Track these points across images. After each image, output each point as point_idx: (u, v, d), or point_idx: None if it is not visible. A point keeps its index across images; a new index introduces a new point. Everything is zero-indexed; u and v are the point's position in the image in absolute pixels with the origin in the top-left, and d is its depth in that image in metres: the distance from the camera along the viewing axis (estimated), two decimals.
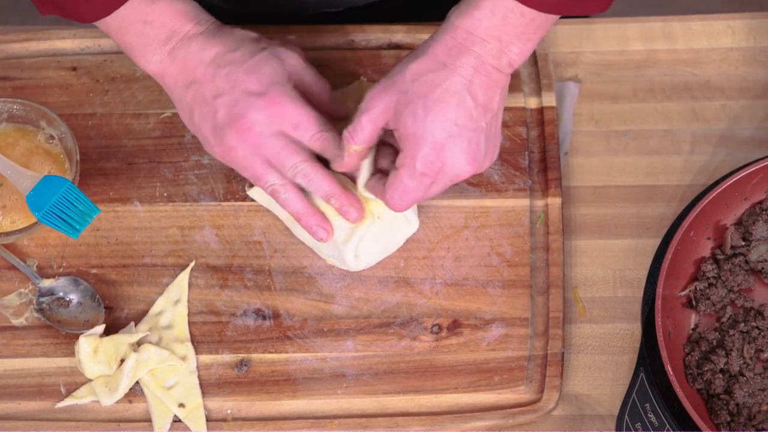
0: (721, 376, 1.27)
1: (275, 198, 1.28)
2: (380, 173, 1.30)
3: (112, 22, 1.27)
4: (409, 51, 1.47)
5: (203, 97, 1.27)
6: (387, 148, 1.30)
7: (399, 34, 1.46)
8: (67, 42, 1.45)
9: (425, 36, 1.45)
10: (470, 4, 1.24)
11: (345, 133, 1.26)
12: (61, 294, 1.35)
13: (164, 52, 1.28)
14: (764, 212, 1.34)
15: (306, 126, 1.26)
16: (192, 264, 1.36)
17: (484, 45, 1.23)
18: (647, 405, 1.24)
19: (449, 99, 1.22)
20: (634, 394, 1.26)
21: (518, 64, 1.25)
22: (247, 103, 1.25)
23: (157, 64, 1.28)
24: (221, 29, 1.28)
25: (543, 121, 1.41)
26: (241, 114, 1.25)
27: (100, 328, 1.30)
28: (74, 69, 1.45)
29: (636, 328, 1.34)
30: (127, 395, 1.31)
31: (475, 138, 1.24)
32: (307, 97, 1.30)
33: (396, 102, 1.23)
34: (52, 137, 1.37)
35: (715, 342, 1.29)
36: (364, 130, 1.25)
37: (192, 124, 1.29)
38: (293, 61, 1.29)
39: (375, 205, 1.30)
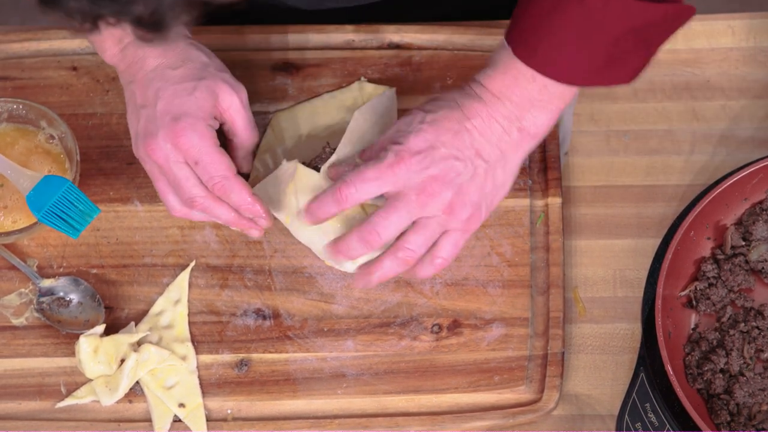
0: (721, 375, 1.27)
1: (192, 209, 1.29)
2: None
3: None
4: (408, 51, 1.47)
5: (134, 101, 1.29)
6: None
7: (399, 34, 1.45)
8: (68, 42, 1.45)
9: (425, 36, 1.45)
10: (490, 64, 1.25)
11: (362, 153, 1.28)
12: (61, 294, 1.35)
13: (116, 49, 1.31)
14: (764, 212, 1.34)
15: (206, 166, 1.25)
16: (192, 264, 1.36)
17: (497, 102, 1.23)
18: (647, 405, 1.24)
19: (448, 125, 1.23)
20: (634, 393, 1.26)
21: (534, 133, 1.25)
22: (161, 124, 1.26)
23: (110, 58, 1.32)
24: (175, 42, 1.29)
25: None
26: (153, 133, 1.26)
27: (101, 328, 1.30)
28: (74, 69, 1.45)
29: (636, 328, 1.34)
30: (127, 395, 1.31)
31: (448, 163, 1.23)
32: (230, 138, 1.32)
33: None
34: (52, 137, 1.37)
35: (715, 342, 1.29)
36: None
37: (128, 123, 1.31)
38: (228, 99, 1.29)
39: (372, 210, 1.30)
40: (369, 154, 1.27)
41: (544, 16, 1.19)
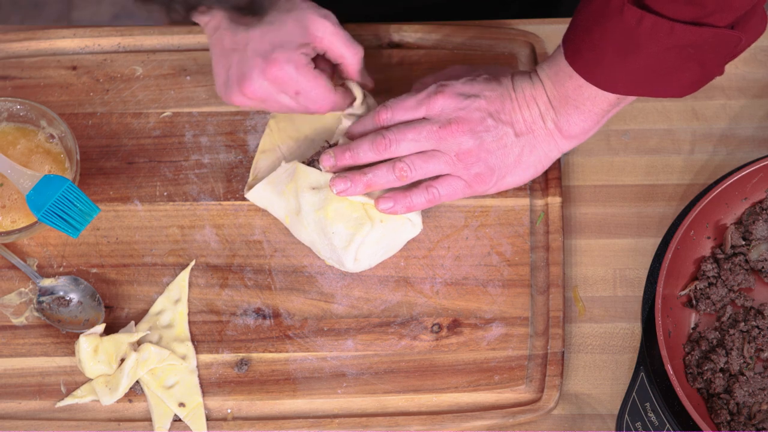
0: (721, 375, 1.27)
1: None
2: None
3: None
4: (408, 50, 1.47)
5: (221, 45, 1.29)
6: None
7: (399, 33, 1.45)
8: (67, 41, 1.45)
9: (425, 35, 1.45)
10: (550, 55, 1.28)
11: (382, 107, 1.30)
12: (61, 293, 1.35)
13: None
14: (764, 211, 1.34)
15: (307, 94, 1.28)
16: (192, 263, 1.36)
17: (541, 87, 1.27)
18: (647, 404, 1.24)
19: (497, 87, 1.28)
20: (634, 393, 1.26)
21: (567, 133, 1.28)
22: (253, 64, 1.27)
23: (199, 14, 1.31)
24: None
25: None
26: (248, 75, 1.27)
27: (101, 328, 1.30)
28: (74, 68, 1.45)
29: (636, 328, 1.34)
30: (127, 394, 1.31)
31: (473, 114, 1.26)
32: (333, 63, 1.32)
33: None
34: (52, 136, 1.37)
35: (715, 341, 1.29)
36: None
37: (213, 70, 1.31)
38: (319, 26, 1.29)
39: (375, 209, 1.30)
40: (418, 88, 1.31)
41: (592, 22, 1.21)
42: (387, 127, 1.28)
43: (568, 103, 1.27)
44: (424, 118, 1.27)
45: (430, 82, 1.32)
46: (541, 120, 1.28)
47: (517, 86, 1.28)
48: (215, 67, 1.30)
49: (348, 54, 1.32)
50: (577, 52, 1.23)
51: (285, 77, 1.27)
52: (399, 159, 1.27)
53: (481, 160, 1.28)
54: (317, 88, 1.29)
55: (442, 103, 1.27)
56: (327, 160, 1.29)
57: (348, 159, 1.28)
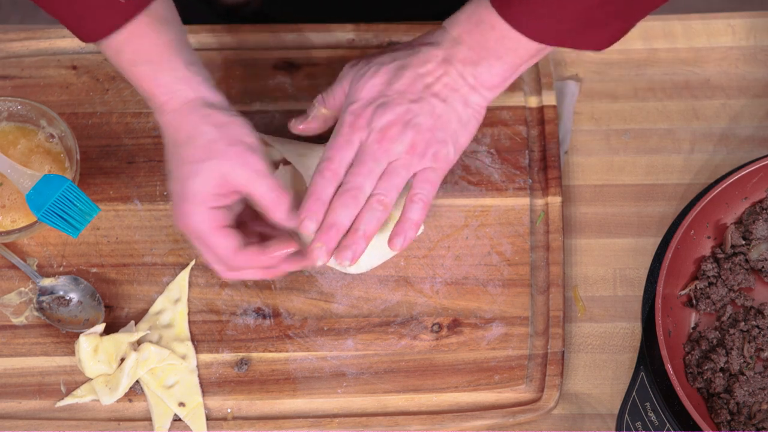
0: (721, 375, 1.27)
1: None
2: None
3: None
4: None
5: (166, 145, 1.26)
6: None
7: (399, 33, 1.46)
8: (67, 41, 1.45)
9: None
10: (462, 7, 1.26)
11: (318, 97, 1.30)
12: (61, 293, 1.34)
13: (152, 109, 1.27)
14: (764, 211, 1.34)
15: (213, 249, 1.23)
16: (192, 263, 1.36)
17: (455, 45, 1.25)
18: (647, 404, 1.24)
19: (401, 71, 1.26)
20: (634, 393, 1.26)
21: (489, 84, 1.26)
22: (173, 201, 1.23)
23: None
24: (189, 113, 1.23)
25: (543, 119, 1.41)
26: (174, 203, 1.23)
27: (100, 327, 1.30)
28: (74, 68, 1.45)
29: (636, 327, 1.34)
30: (127, 394, 1.31)
31: (402, 105, 1.25)
32: (255, 206, 1.25)
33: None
34: (52, 136, 1.37)
35: (715, 341, 1.29)
36: (335, 96, 1.29)
37: None
38: (239, 176, 1.21)
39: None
40: (327, 99, 1.30)
41: None
42: (343, 183, 1.24)
43: (489, 54, 1.25)
44: (360, 146, 1.25)
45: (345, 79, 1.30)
46: (461, 78, 1.26)
47: (426, 57, 1.26)
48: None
49: (267, 206, 1.23)
50: (506, 2, 1.22)
51: (190, 229, 1.22)
52: (371, 197, 1.24)
53: (429, 141, 1.25)
54: (219, 247, 1.23)
55: (364, 122, 1.25)
56: (319, 254, 1.23)
57: (335, 236, 1.23)
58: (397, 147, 1.24)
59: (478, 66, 1.26)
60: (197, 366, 1.32)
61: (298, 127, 1.31)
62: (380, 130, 1.24)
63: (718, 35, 1.47)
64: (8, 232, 1.33)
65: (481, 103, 1.28)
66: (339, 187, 1.24)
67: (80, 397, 1.31)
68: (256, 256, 1.23)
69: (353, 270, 1.32)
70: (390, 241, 1.25)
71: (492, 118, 1.41)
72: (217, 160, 1.21)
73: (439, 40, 1.27)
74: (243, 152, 1.22)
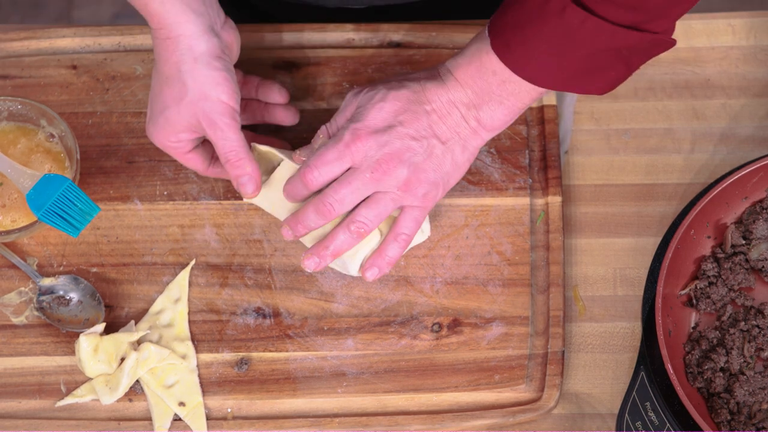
0: (721, 374, 1.27)
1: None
2: None
3: None
4: (408, 50, 1.47)
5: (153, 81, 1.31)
6: None
7: (399, 33, 1.46)
8: (67, 40, 1.45)
9: (425, 34, 1.45)
10: (462, 51, 1.27)
11: (322, 128, 1.31)
12: (61, 292, 1.34)
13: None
14: (764, 211, 1.34)
15: (186, 165, 1.33)
16: (192, 262, 1.36)
17: (459, 88, 1.26)
18: (647, 404, 1.24)
19: (408, 105, 1.26)
20: (634, 392, 1.26)
21: (490, 126, 1.27)
22: (148, 120, 1.30)
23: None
24: (174, 51, 1.26)
25: (543, 119, 1.41)
26: (148, 120, 1.31)
27: (101, 327, 1.30)
28: (74, 67, 1.45)
29: (636, 327, 1.34)
30: (127, 394, 1.31)
31: (404, 143, 1.26)
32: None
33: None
34: (52, 136, 1.37)
35: (715, 340, 1.29)
36: (339, 127, 1.30)
37: None
38: (202, 126, 1.28)
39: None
40: (331, 130, 1.31)
41: (525, 19, 1.20)
42: (323, 190, 1.27)
43: (491, 99, 1.26)
44: (351, 167, 1.26)
45: (339, 122, 1.30)
46: (464, 121, 1.27)
47: (432, 96, 1.27)
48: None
49: (229, 167, 1.29)
50: (507, 48, 1.22)
51: (161, 148, 1.31)
52: (352, 221, 1.26)
53: (422, 182, 1.27)
54: (192, 167, 1.33)
55: (362, 148, 1.25)
56: (286, 233, 1.29)
57: (303, 230, 1.28)
58: (390, 181, 1.26)
59: (480, 110, 1.27)
60: (197, 366, 1.32)
61: (302, 159, 1.31)
62: (377, 160, 1.25)
63: (719, 35, 1.47)
64: (8, 232, 1.33)
65: (479, 145, 1.29)
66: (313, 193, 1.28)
67: (80, 396, 1.31)
68: (222, 173, 1.33)
69: (358, 274, 1.32)
70: (365, 269, 1.30)
71: None
72: (184, 109, 1.27)
73: (445, 81, 1.27)
74: (209, 108, 1.26)
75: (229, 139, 1.27)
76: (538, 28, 1.20)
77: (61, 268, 1.36)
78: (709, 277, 1.32)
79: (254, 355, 1.32)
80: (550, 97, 1.42)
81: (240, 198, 1.38)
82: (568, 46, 1.20)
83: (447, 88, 1.26)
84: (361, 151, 1.25)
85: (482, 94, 1.26)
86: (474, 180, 1.39)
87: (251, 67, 1.43)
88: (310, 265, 1.28)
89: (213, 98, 1.26)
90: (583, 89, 1.25)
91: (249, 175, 1.28)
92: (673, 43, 1.21)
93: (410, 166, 1.26)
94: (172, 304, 1.34)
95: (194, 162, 1.32)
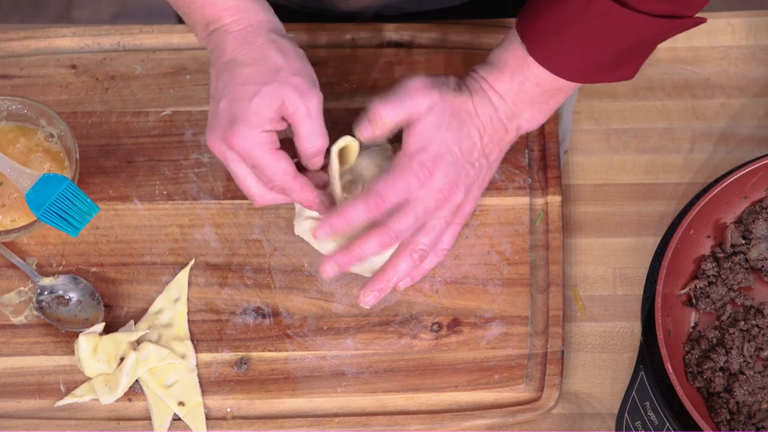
0: (721, 374, 1.27)
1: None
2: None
3: None
4: (408, 50, 1.47)
5: (211, 85, 1.28)
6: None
7: (399, 32, 1.46)
8: (67, 40, 1.45)
9: (426, 34, 1.45)
10: (495, 63, 1.28)
11: (378, 102, 1.26)
12: (60, 292, 1.34)
13: (204, 33, 1.29)
14: (764, 210, 1.34)
15: (262, 171, 1.26)
16: (192, 262, 1.36)
17: (504, 105, 1.27)
18: (647, 403, 1.24)
19: (462, 128, 1.26)
20: (633, 392, 1.26)
21: (525, 130, 1.30)
22: (219, 123, 1.25)
23: (200, 40, 1.31)
24: (257, 36, 1.27)
25: None
26: (213, 129, 1.26)
27: (100, 327, 1.30)
28: (74, 67, 1.45)
29: (636, 327, 1.34)
30: (126, 394, 1.31)
31: (464, 169, 1.27)
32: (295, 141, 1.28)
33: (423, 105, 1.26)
34: (51, 135, 1.37)
35: (715, 340, 1.29)
36: (394, 109, 1.26)
37: None
38: (294, 106, 1.25)
39: None
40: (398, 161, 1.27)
41: (564, 22, 1.22)
42: (387, 223, 1.25)
43: (533, 106, 1.28)
44: (414, 196, 1.26)
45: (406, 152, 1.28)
46: (507, 135, 1.29)
47: (484, 119, 1.27)
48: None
49: (304, 145, 1.27)
50: (549, 55, 1.24)
51: (242, 149, 1.24)
52: (414, 250, 1.27)
53: (470, 202, 1.31)
54: (273, 169, 1.25)
55: (425, 178, 1.25)
56: (331, 271, 1.26)
57: (354, 262, 1.26)
58: (448, 207, 1.28)
59: (521, 118, 1.29)
60: (197, 365, 1.32)
61: (363, 137, 1.29)
62: (440, 189, 1.25)
63: (718, 34, 1.47)
64: (8, 232, 1.33)
65: (511, 143, 1.32)
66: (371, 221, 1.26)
67: (80, 396, 1.31)
68: (308, 185, 1.27)
69: (356, 270, 1.32)
70: (405, 283, 1.32)
71: None
72: (280, 85, 1.24)
73: (492, 99, 1.28)
74: (302, 85, 1.25)
75: (319, 110, 1.25)
76: (580, 31, 1.21)
77: (61, 268, 1.36)
78: (708, 276, 1.32)
79: (254, 354, 1.32)
80: None
81: (239, 198, 1.38)
82: (612, 43, 1.22)
83: (495, 107, 1.28)
84: (425, 178, 1.24)
85: (524, 105, 1.28)
86: None
87: None
88: (370, 301, 1.29)
89: (305, 72, 1.26)
90: (615, 77, 1.27)
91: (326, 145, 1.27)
92: (703, 20, 1.24)
93: (465, 189, 1.28)
94: (172, 303, 1.34)
95: (286, 159, 1.26)
